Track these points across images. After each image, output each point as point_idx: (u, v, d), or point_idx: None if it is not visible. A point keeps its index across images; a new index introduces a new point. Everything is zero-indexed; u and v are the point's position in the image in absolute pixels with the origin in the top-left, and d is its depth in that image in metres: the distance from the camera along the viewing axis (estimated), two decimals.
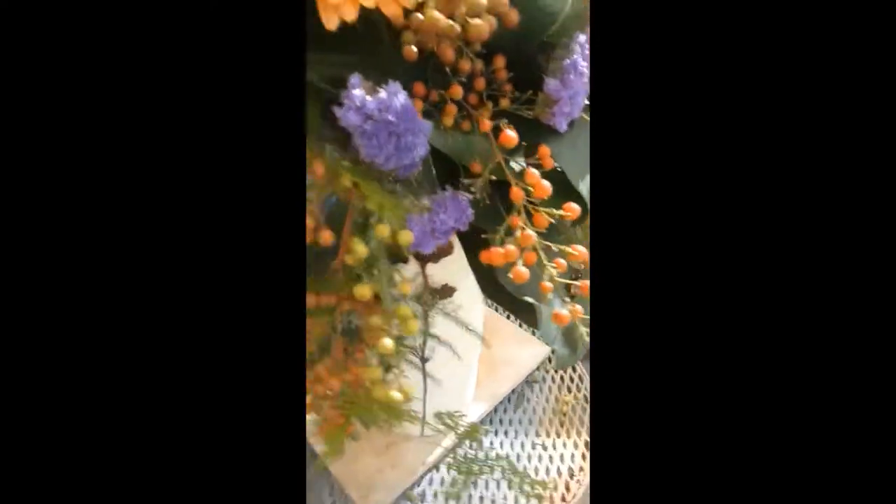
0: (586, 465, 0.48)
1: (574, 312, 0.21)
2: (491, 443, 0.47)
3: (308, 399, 0.29)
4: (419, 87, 0.24)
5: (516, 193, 0.21)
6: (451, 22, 0.18)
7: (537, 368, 0.60)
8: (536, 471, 0.48)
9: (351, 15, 0.20)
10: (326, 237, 0.21)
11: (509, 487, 0.37)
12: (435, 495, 0.47)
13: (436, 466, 0.50)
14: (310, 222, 0.21)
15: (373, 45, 0.23)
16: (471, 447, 0.34)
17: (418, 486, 0.48)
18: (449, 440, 0.51)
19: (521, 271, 0.20)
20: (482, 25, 0.17)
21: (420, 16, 0.20)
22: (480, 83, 0.24)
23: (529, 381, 0.59)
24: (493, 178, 0.21)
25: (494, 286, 0.25)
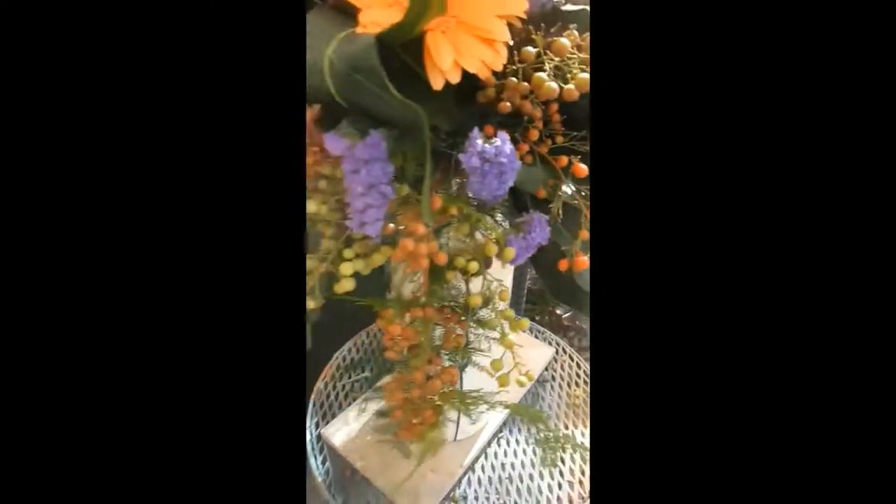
0: None
1: None
2: (555, 424, 0.53)
3: (394, 403, 0.32)
4: (489, 129, 0.30)
5: None
6: (556, 88, 0.23)
7: (545, 368, 0.66)
8: (563, 461, 0.54)
9: (455, 78, 0.25)
10: (442, 259, 0.26)
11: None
12: (476, 497, 0.51)
13: (471, 468, 0.54)
14: (433, 246, 0.25)
15: (462, 98, 0.28)
16: (547, 430, 0.39)
17: (458, 487, 0.52)
18: (480, 443, 0.55)
19: None
20: (574, 91, 0.23)
21: (514, 79, 0.25)
22: (540, 124, 0.30)
23: (540, 381, 0.64)
24: (576, 201, 0.27)
25: (563, 286, 0.31)
